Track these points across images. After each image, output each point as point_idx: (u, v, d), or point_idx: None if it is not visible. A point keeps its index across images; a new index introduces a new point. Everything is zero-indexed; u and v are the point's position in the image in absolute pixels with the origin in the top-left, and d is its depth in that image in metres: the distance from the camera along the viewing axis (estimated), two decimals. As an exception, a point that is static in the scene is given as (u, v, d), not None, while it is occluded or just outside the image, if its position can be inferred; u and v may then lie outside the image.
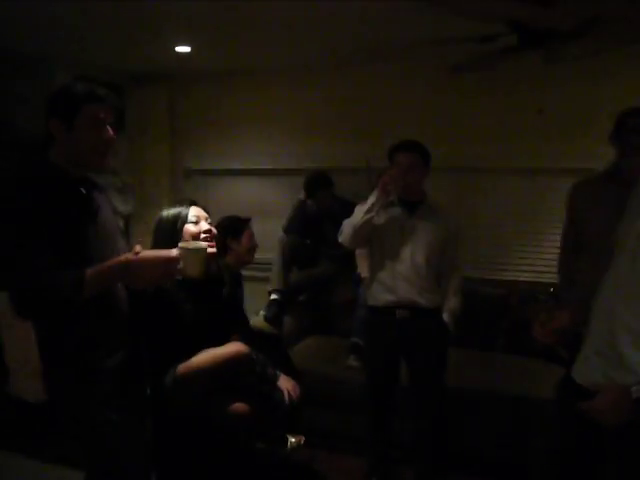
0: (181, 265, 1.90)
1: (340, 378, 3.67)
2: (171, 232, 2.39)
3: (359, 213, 2.90)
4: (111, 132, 1.91)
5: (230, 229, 3.06)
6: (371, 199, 2.86)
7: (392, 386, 3.12)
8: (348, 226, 2.96)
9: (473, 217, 4.50)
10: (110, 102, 1.93)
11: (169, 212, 2.48)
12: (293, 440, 3.04)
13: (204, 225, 2.46)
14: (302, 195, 4.37)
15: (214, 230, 2.50)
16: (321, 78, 4.81)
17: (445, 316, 3.01)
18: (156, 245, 2.40)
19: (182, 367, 2.35)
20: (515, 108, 4.29)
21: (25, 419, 3.44)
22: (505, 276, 4.49)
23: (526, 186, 4.42)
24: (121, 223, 4.90)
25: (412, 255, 2.95)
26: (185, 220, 2.43)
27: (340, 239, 3.04)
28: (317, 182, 4.27)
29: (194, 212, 2.47)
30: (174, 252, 1.86)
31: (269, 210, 4.84)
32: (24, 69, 4.35)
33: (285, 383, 2.75)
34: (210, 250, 2.09)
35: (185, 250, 1.94)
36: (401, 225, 2.98)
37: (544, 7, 2.61)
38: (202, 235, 2.42)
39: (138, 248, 1.79)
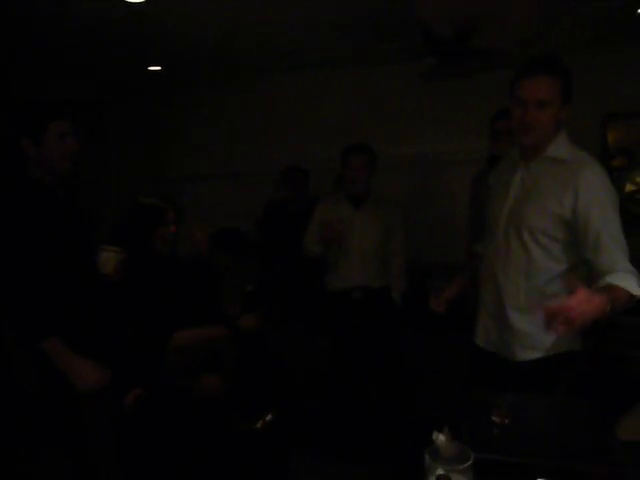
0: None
1: (309, 359, 4.07)
2: None
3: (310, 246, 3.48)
4: (74, 143, 2.23)
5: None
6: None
7: (354, 360, 3.54)
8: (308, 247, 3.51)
9: (429, 205, 4.94)
10: (70, 115, 2.25)
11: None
12: (260, 423, 3.33)
13: None
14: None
15: None
16: (285, 85, 5.24)
17: (394, 294, 3.45)
18: None
19: (176, 338, 2.77)
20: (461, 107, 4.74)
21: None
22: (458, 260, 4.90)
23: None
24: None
25: (361, 244, 3.39)
26: None
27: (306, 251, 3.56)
28: (290, 169, 4.67)
29: None
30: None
31: (245, 211, 5.21)
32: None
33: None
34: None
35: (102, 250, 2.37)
36: (350, 219, 3.40)
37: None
38: None
39: None
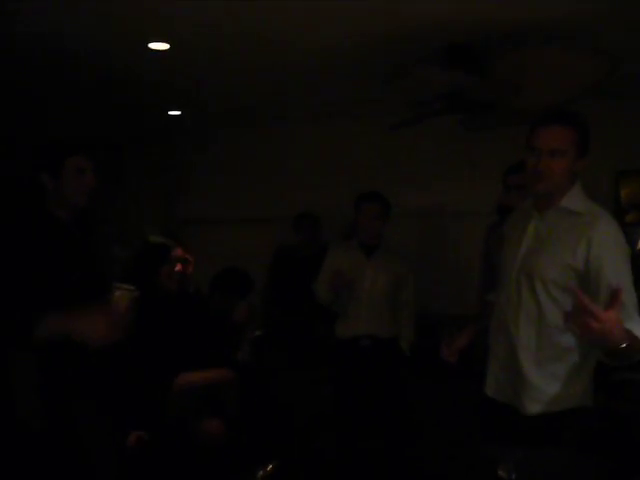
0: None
1: (314, 407, 4.01)
2: None
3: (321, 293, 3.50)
4: (92, 178, 2.27)
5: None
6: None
7: (360, 409, 3.49)
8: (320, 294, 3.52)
9: (440, 257, 4.95)
10: (88, 152, 2.30)
11: None
12: (261, 473, 3.26)
13: None
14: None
15: None
16: (299, 132, 5.34)
17: (402, 343, 3.43)
18: None
19: (180, 381, 2.76)
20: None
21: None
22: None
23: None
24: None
25: (371, 293, 3.39)
26: None
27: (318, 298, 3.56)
28: (301, 215, 4.71)
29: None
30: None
31: (254, 257, 5.24)
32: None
33: None
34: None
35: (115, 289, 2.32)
36: (360, 267, 3.41)
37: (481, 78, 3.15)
38: None
39: None
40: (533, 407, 1.96)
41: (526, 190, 2.81)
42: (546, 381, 1.95)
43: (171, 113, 4.88)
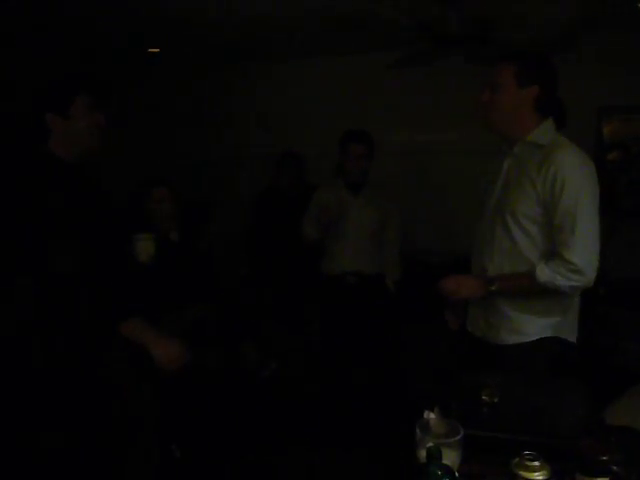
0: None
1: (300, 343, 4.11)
2: None
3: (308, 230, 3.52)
4: (102, 117, 2.11)
5: None
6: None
7: (347, 344, 3.57)
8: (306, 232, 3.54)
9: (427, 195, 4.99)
10: (98, 89, 2.14)
11: None
12: (266, 372, 3.37)
13: None
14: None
15: None
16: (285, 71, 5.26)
17: (387, 281, 3.49)
18: None
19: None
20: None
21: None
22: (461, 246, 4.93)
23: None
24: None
25: (357, 230, 3.43)
26: None
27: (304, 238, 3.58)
28: (285, 154, 4.69)
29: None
30: None
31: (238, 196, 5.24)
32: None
33: None
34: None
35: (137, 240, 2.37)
36: (347, 204, 3.44)
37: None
38: None
39: None
40: (509, 337, 2.06)
41: None
42: (520, 312, 2.04)
43: (151, 51, 4.75)
